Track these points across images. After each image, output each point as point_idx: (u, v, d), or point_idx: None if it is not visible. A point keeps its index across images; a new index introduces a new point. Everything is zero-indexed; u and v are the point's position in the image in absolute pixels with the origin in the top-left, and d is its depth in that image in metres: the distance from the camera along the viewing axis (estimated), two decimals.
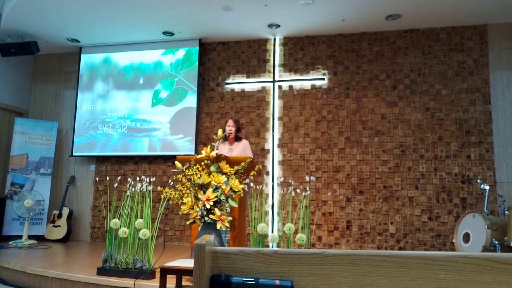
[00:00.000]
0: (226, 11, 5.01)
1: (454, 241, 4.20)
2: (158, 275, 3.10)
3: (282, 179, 5.42)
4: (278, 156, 5.62)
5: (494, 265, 0.92)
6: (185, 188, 3.24)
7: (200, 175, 3.19)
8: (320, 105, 5.59)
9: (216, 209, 3.07)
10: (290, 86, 5.73)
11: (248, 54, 5.94)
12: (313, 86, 5.66)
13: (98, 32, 5.86)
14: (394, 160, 5.26)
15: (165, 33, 5.83)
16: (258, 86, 5.84)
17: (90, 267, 3.79)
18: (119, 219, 3.47)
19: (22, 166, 5.96)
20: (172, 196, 3.21)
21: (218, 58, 6.05)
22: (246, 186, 3.47)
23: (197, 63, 5.94)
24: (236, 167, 3.34)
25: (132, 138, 6.02)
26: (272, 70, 5.80)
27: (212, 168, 3.30)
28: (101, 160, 6.26)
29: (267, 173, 5.61)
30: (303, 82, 5.68)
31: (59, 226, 5.87)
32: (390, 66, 5.46)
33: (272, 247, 3.15)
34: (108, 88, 6.26)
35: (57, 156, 6.39)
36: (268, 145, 5.67)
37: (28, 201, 5.50)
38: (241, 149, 4.24)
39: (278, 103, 5.74)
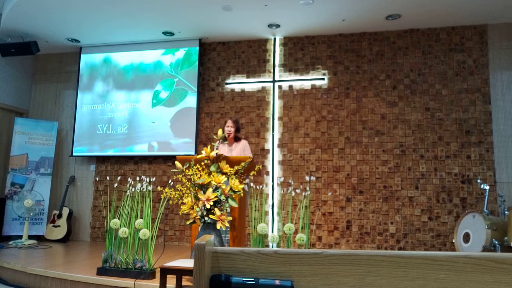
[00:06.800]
0: (226, 11, 5.01)
1: (454, 241, 4.20)
2: (158, 275, 3.10)
3: (282, 179, 5.42)
4: (278, 156, 5.62)
5: (494, 265, 0.92)
6: (185, 188, 3.24)
7: (200, 175, 3.19)
8: (320, 105, 5.58)
9: (216, 209, 3.07)
10: (290, 86, 5.73)
11: (248, 54, 5.94)
12: (313, 86, 5.66)
13: (98, 32, 5.85)
14: (394, 160, 5.26)
15: (165, 33, 5.83)
16: (258, 86, 5.84)
17: (90, 267, 3.79)
18: (119, 219, 3.47)
19: (22, 166, 5.96)
20: (172, 196, 3.21)
21: (218, 58, 6.05)
22: (246, 186, 3.47)
23: (197, 63, 5.94)
24: (236, 167, 3.34)
25: (132, 138, 6.02)
26: (272, 70, 5.80)
27: (212, 168, 3.30)
28: (101, 160, 6.26)
29: (267, 173, 5.61)
30: (303, 82, 5.68)
31: (59, 226, 5.87)
32: (390, 66, 5.46)
33: (272, 247, 3.15)
34: (108, 88, 6.26)
35: (57, 156, 6.38)
36: (268, 145, 5.67)
37: (28, 201, 5.50)
38: (241, 149, 4.24)
39: (278, 103, 5.74)
